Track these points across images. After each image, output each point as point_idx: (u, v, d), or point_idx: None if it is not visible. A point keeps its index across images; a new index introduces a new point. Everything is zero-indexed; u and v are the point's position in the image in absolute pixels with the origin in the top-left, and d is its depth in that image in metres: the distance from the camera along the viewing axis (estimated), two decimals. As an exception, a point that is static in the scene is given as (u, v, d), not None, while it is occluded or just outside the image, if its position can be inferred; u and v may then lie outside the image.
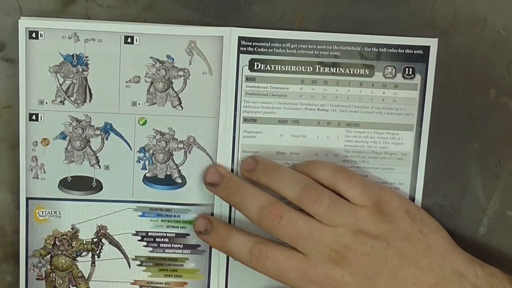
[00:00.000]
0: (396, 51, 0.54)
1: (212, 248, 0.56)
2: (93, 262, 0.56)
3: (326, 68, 0.54)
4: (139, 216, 0.55)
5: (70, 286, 0.56)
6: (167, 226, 0.56)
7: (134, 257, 0.56)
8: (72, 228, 0.55)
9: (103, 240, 0.56)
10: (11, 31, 0.52)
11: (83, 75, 0.53)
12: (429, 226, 0.52)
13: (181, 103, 0.54)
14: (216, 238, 0.54)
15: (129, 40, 0.53)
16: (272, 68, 0.54)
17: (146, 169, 0.55)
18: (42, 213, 0.55)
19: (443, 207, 0.56)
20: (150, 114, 0.54)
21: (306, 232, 0.50)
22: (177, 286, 0.56)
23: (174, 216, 0.55)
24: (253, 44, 0.53)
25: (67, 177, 0.54)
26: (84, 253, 0.56)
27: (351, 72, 0.54)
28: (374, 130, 0.55)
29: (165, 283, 0.56)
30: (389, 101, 0.54)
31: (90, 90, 0.53)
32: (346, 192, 0.52)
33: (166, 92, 0.54)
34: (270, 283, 0.54)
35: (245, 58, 0.53)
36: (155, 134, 0.54)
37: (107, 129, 0.54)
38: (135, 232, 0.56)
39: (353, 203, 0.51)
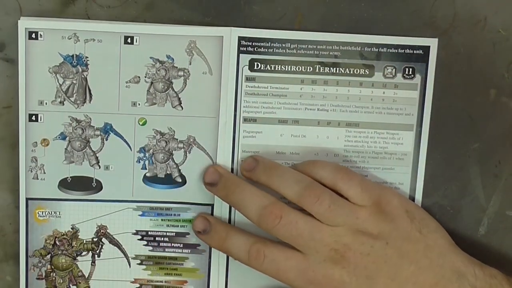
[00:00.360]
0: (396, 51, 0.54)
1: (212, 248, 0.56)
2: (93, 262, 0.56)
3: (326, 68, 0.54)
4: (139, 215, 0.55)
5: (70, 285, 0.56)
6: (167, 225, 0.56)
7: (134, 256, 0.56)
8: (72, 228, 0.55)
9: (103, 240, 0.56)
10: (11, 31, 0.52)
11: (83, 76, 0.53)
12: (428, 226, 0.52)
13: (181, 103, 0.54)
14: (215, 238, 0.54)
15: (129, 40, 0.53)
16: (272, 68, 0.54)
17: (146, 169, 0.55)
18: (42, 214, 0.55)
19: (443, 207, 0.56)
20: (150, 114, 0.54)
21: (306, 232, 0.50)
22: (177, 284, 0.56)
23: (174, 215, 0.55)
24: (253, 44, 0.53)
25: (67, 177, 0.54)
26: (84, 253, 0.56)
27: (351, 72, 0.54)
28: (374, 130, 0.55)
29: (165, 281, 0.56)
30: (389, 101, 0.54)
31: (90, 90, 0.53)
32: (346, 191, 0.52)
33: (166, 92, 0.54)
34: (270, 282, 0.54)
35: (245, 58, 0.53)
36: (155, 134, 0.54)
37: (107, 130, 0.54)
38: (135, 232, 0.56)
39: (353, 203, 0.51)
